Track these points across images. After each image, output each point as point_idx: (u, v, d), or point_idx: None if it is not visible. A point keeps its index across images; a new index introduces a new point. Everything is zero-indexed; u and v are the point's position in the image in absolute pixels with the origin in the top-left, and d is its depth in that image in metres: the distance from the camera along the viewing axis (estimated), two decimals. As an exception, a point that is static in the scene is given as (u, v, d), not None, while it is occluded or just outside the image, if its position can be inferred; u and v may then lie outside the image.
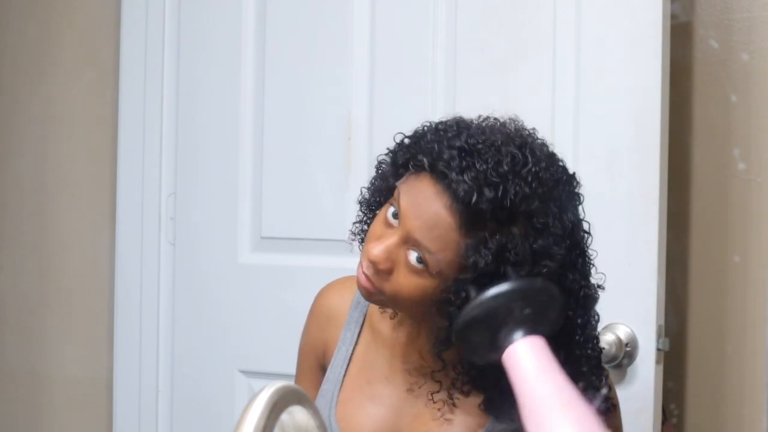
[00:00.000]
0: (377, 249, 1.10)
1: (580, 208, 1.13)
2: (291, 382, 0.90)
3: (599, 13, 1.69)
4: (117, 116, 2.14)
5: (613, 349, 1.62)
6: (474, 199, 1.04)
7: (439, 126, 1.14)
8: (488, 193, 1.04)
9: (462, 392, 1.19)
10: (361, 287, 1.14)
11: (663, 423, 1.68)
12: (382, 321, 1.26)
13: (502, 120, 1.15)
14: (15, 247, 2.30)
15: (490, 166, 1.05)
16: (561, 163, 1.13)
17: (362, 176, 1.74)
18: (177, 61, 2.06)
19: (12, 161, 2.29)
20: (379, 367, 1.25)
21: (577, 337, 1.14)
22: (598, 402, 1.12)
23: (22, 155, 2.28)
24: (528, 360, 1.03)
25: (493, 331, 1.04)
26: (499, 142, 1.08)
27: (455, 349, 1.16)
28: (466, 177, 1.04)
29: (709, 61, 1.77)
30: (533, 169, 1.06)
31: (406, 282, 1.10)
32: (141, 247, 2.10)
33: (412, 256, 1.09)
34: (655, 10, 1.64)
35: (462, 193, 1.04)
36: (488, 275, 1.05)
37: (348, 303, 1.31)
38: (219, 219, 2.02)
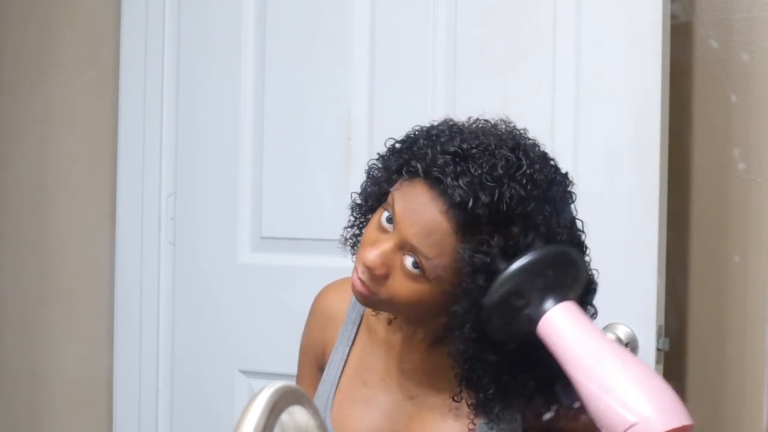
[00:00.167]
0: (373, 254, 1.10)
1: (573, 206, 1.13)
2: (291, 382, 0.90)
3: (599, 13, 1.69)
4: (117, 116, 2.14)
5: (613, 349, 1.62)
6: (470, 204, 1.04)
7: (432, 131, 1.14)
8: (484, 197, 1.04)
9: (456, 393, 1.19)
10: (356, 292, 1.14)
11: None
12: (378, 322, 1.27)
13: (493, 121, 1.15)
14: (15, 247, 2.30)
15: (484, 170, 1.05)
16: (553, 163, 1.13)
17: (362, 176, 1.73)
18: (177, 61, 2.06)
19: (12, 161, 2.29)
20: (375, 368, 1.25)
21: None
22: None
23: (22, 155, 2.28)
24: (568, 325, 1.03)
25: (524, 305, 1.04)
26: (493, 146, 1.08)
27: (448, 349, 1.16)
28: (461, 182, 1.04)
29: (709, 61, 1.77)
30: (527, 171, 1.06)
31: (401, 287, 1.10)
32: (141, 247, 2.10)
33: (408, 261, 1.09)
34: (655, 10, 1.64)
35: (458, 199, 1.04)
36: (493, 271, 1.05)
37: (346, 304, 1.31)
38: (219, 219, 2.02)
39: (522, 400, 1.14)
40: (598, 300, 1.15)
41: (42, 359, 2.27)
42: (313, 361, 1.34)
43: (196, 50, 2.05)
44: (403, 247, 1.09)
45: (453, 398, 1.18)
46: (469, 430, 1.17)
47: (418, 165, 1.08)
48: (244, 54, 1.99)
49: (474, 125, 1.15)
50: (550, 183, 1.09)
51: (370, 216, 1.17)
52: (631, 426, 0.96)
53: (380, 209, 1.13)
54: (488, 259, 1.05)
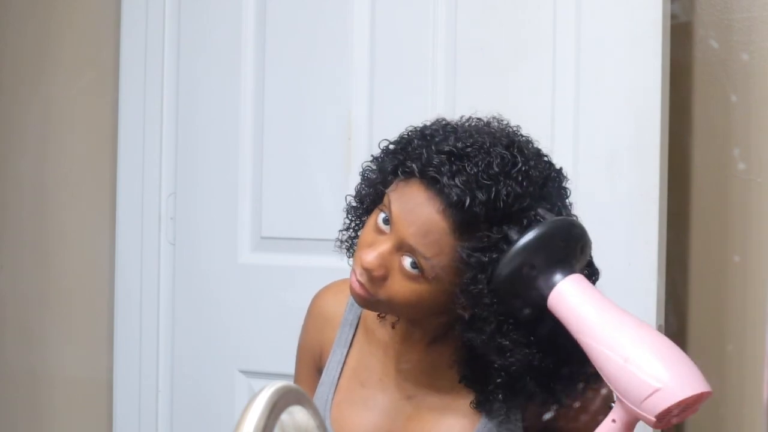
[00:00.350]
0: (371, 256, 1.10)
1: (568, 202, 1.14)
2: (291, 382, 0.90)
3: (599, 13, 1.69)
4: (117, 116, 2.14)
5: (613, 349, 1.62)
6: (467, 202, 1.04)
7: (425, 131, 1.14)
8: (481, 195, 1.04)
9: (454, 391, 1.19)
10: (354, 294, 1.14)
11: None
12: (376, 322, 1.27)
13: (485, 119, 1.16)
14: (15, 247, 2.30)
15: (480, 168, 1.05)
16: (546, 159, 1.13)
17: (362, 176, 1.74)
18: (177, 61, 2.06)
19: (12, 161, 2.29)
20: (373, 369, 1.25)
21: None
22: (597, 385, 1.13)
23: (22, 155, 2.28)
24: (580, 295, 1.03)
25: (533, 279, 1.04)
26: (488, 144, 1.08)
27: (447, 348, 1.16)
28: (457, 181, 1.05)
29: (709, 61, 1.77)
30: (523, 168, 1.07)
31: (400, 288, 1.10)
32: (141, 247, 2.10)
33: (407, 261, 1.09)
34: (655, 10, 1.64)
35: (455, 198, 1.04)
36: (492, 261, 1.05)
37: (343, 305, 1.31)
38: (219, 219, 2.02)
39: (522, 400, 1.14)
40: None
41: (42, 359, 2.27)
42: (311, 363, 1.34)
43: (196, 50, 2.05)
44: (401, 247, 1.09)
45: (450, 396, 1.18)
46: (467, 427, 1.17)
47: (414, 165, 1.08)
48: (244, 54, 1.99)
49: (467, 124, 1.15)
50: (546, 179, 1.10)
51: (365, 218, 1.17)
52: (656, 391, 0.96)
53: (376, 211, 1.13)
54: (486, 258, 1.05)
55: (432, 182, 1.06)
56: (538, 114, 1.71)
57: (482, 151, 1.07)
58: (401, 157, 1.12)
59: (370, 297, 1.12)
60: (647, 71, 1.64)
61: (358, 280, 1.12)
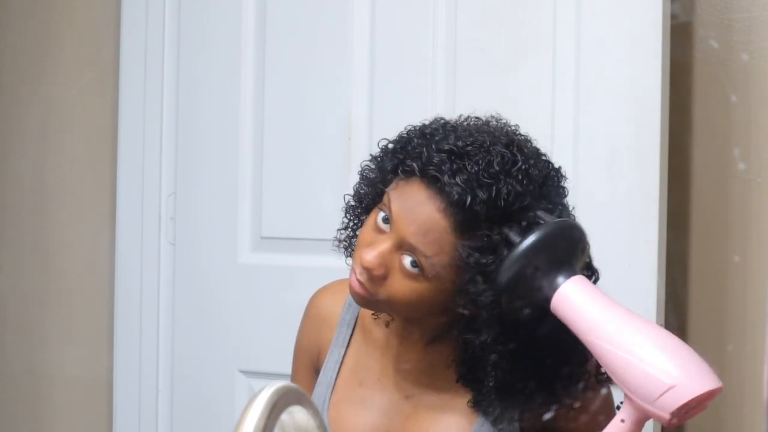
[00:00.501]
0: (371, 255, 1.10)
1: (566, 201, 1.14)
2: (291, 382, 0.90)
3: (599, 13, 1.69)
4: (117, 116, 2.14)
5: (613, 349, 1.62)
6: (468, 201, 1.04)
7: (425, 130, 1.14)
8: (481, 194, 1.04)
9: (452, 390, 1.19)
10: (354, 294, 1.14)
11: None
12: (374, 322, 1.26)
13: (484, 119, 1.16)
14: (15, 247, 2.30)
15: (481, 167, 1.05)
16: (545, 158, 1.14)
17: (362, 176, 1.74)
18: (177, 61, 2.06)
19: (12, 161, 2.29)
20: (371, 369, 1.25)
21: None
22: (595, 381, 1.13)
23: (22, 155, 2.28)
24: (583, 297, 1.03)
25: (535, 282, 1.04)
26: (488, 143, 1.08)
27: (445, 347, 1.16)
28: (458, 179, 1.05)
29: (709, 61, 1.77)
30: (523, 167, 1.07)
31: (401, 287, 1.10)
32: (141, 247, 2.10)
33: (407, 260, 1.09)
34: (655, 10, 1.64)
35: (456, 196, 1.04)
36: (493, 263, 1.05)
37: (341, 306, 1.31)
38: (219, 219, 2.02)
39: (520, 400, 1.14)
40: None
41: (42, 359, 2.27)
42: (308, 363, 1.34)
43: (196, 50, 2.05)
44: (401, 246, 1.09)
45: (448, 395, 1.18)
46: (465, 427, 1.17)
47: (414, 164, 1.08)
48: (244, 54, 1.99)
49: (466, 123, 1.15)
50: (545, 178, 1.10)
51: (364, 217, 1.17)
52: (670, 388, 0.96)
53: (375, 210, 1.13)
54: (485, 259, 1.05)
55: (432, 181, 1.06)
56: (538, 114, 1.71)
57: (482, 149, 1.07)
58: (401, 156, 1.12)
59: (370, 296, 1.12)
60: (647, 71, 1.64)
61: (357, 280, 1.12)
